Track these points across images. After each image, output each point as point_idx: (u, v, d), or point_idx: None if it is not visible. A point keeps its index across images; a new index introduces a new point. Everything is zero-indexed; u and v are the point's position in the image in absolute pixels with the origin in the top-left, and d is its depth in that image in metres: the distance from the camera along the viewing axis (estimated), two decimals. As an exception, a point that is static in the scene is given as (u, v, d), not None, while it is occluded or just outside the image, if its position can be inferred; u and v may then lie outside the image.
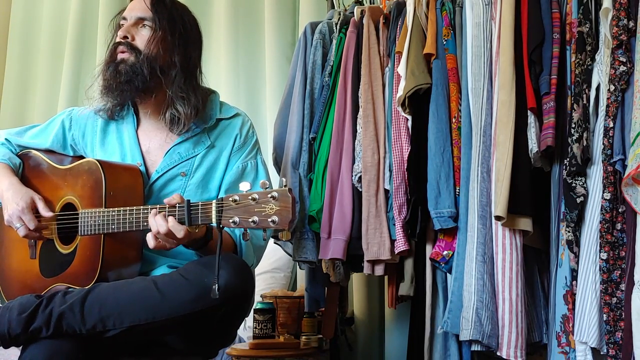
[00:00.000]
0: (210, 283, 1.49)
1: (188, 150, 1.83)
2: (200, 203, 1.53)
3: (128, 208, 1.63)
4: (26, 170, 1.89)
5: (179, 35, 1.80)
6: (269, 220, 1.44)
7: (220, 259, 1.50)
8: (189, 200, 1.54)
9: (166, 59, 1.78)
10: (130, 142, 1.85)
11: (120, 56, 1.78)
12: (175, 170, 1.81)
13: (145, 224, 1.59)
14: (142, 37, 1.78)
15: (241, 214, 1.46)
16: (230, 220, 1.47)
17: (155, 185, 1.80)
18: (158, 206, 1.59)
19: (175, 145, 1.83)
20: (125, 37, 1.79)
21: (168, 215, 1.55)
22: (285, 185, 1.46)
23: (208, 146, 1.84)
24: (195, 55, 1.85)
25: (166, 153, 1.82)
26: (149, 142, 1.85)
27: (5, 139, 1.93)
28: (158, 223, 1.54)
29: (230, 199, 1.48)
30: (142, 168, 1.81)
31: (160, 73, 1.77)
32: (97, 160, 1.73)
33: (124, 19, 1.82)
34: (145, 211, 1.59)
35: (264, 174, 1.88)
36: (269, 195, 1.44)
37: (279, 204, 1.44)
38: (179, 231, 1.53)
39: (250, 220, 1.45)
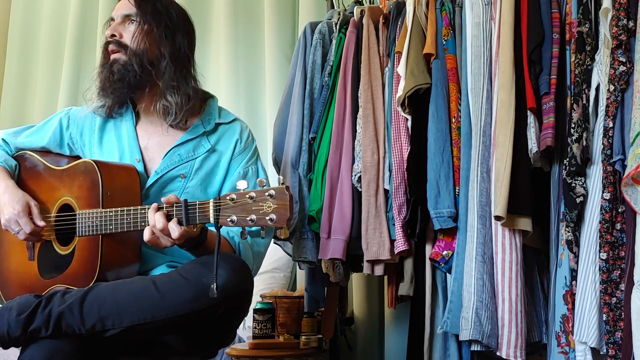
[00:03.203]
0: (209, 283, 1.49)
1: (188, 153, 1.83)
2: (197, 202, 1.53)
3: (125, 208, 1.62)
4: (22, 172, 1.89)
5: (165, 26, 1.82)
6: (267, 218, 1.43)
7: (219, 259, 1.50)
8: (186, 200, 1.54)
9: (154, 51, 1.80)
10: (128, 139, 1.85)
11: (112, 56, 1.80)
12: (175, 172, 1.81)
13: (143, 224, 1.59)
14: (129, 33, 1.80)
15: (239, 212, 1.46)
16: (228, 219, 1.47)
17: (155, 186, 1.80)
18: (157, 205, 1.59)
19: (176, 146, 1.83)
20: (113, 36, 1.81)
21: (167, 215, 1.55)
22: (283, 183, 1.46)
23: (208, 150, 1.85)
24: (184, 44, 1.85)
25: (166, 154, 1.82)
26: (147, 139, 1.85)
27: (2, 139, 1.94)
28: (155, 219, 1.55)
29: (228, 197, 1.48)
30: (140, 164, 1.81)
31: (150, 66, 1.79)
32: (94, 161, 1.73)
33: (112, 19, 1.85)
34: (143, 211, 1.59)
35: (264, 177, 1.88)
36: (267, 194, 1.44)
37: (276, 202, 1.43)
38: (175, 231, 1.53)
39: (248, 218, 1.45)
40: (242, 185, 1.48)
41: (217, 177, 1.84)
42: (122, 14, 1.82)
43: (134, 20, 1.81)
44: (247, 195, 1.46)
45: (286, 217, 1.43)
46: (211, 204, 1.50)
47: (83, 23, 3.92)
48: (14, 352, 1.63)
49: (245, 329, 2.60)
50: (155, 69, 1.79)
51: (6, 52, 4.23)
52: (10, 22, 4.26)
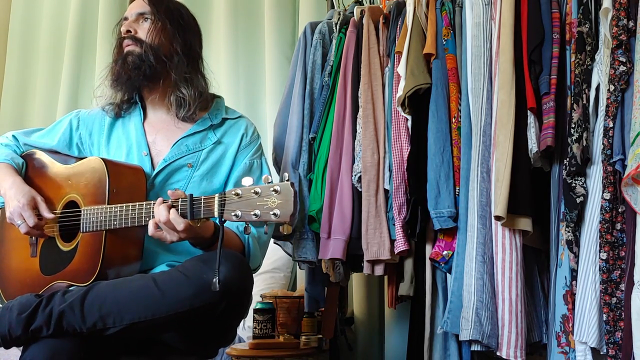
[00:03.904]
0: (209, 279, 1.50)
1: (195, 144, 1.88)
2: (203, 197, 1.55)
3: (131, 204, 1.64)
4: (29, 170, 1.91)
5: (177, 24, 1.91)
6: (271, 213, 1.45)
7: (220, 255, 1.51)
8: (191, 194, 1.56)
9: (168, 46, 1.88)
10: (136, 134, 1.89)
11: (127, 49, 1.87)
12: (182, 161, 1.85)
13: (147, 219, 1.61)
14: (144, 29, 1.88)
15: (243, 207, 1.48)
16: (232, 214, 1.48)
17: (161, 174, 1.83)
18: (162, 199, 1.60)
19: (183, 137, 1.87)
20: (128, 32, 1.88)
21: (171, 208, 1.57)
22: (288, 180, 1.47)
23: (215, 142, 1.90)
24: (195, 43, 1.95)
25: (174, 144, 1.86)
26: (155, 133, 1.90)
27: (13, 135, 1.98)
28: (159, 212, 1.56)
29: (233, 192, 1.50)
30: (148, 158, 1.84)
31: (165, 58, 1.86)
32: (101, 159, 1.76)
33: (125, 18, 1.92)
34: (148, 206, 1.61)
35: (268, 173, 1.91)
36: (271, 189, 1.46)
37: (280, 198, 1.45)
38: (179, 223, 1.55)
39: (252, 213, 1.46)
40: (247, 181, 1.50)
41: (223, 168, 1.89)
42: (136, 12, 1.90)
43: (148, 17, 1.89)
44: (252, 191, 1.48)
45: (289, 213, 1.44)
46: (216, 198, 1.52)
47: (83, 23, 3.92)
48: (15, 352, 1.63)
49: (245, 329, 2.60)
50: (169, 61, 1.86)
51: (6, 51, 4.23)
52: (10, 21, 4.26)
